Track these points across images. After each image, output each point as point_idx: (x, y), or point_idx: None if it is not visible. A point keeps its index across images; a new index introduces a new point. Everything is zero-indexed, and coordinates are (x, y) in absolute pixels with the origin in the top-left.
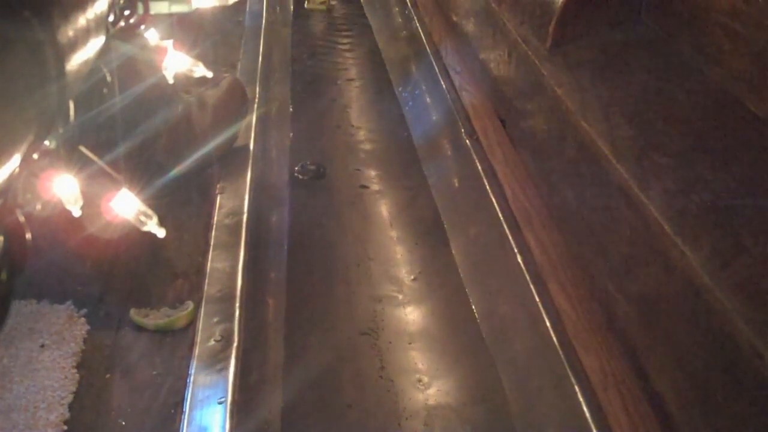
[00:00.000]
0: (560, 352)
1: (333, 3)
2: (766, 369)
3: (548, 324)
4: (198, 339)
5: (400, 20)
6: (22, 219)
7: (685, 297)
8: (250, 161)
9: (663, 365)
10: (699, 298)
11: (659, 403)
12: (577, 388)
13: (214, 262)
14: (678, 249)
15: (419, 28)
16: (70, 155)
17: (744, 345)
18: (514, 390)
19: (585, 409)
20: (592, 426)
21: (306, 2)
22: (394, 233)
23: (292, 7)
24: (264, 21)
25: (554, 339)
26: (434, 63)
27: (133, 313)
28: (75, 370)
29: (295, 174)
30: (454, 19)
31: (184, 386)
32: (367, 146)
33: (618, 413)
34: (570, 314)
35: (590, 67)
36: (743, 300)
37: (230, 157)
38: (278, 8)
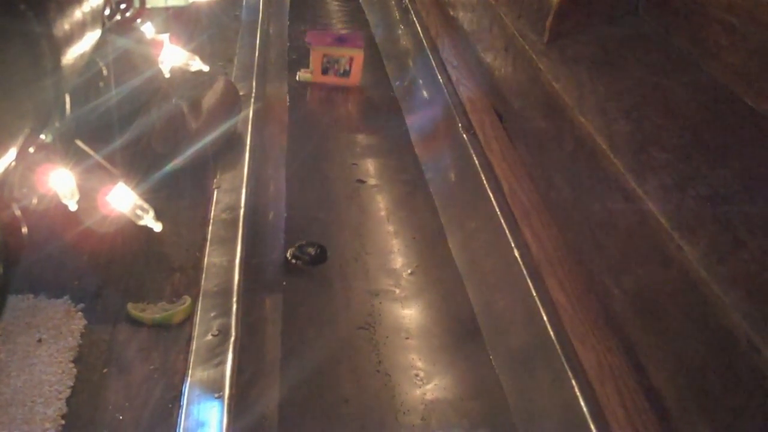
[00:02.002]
0: (557, 347)
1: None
2: (763, 363)
3: (545, 318)
4: (195, 333)
5: (397, 15)
6: (18, 213)
7: (683, 291)
8: (247, 157)
9: (660, 359)
10: (696, 292)
11: (656, 396)
12: (574, 382)
13: (211, 257)
14: (675, 243)
15: (416, 22)
16: (66, 149)
17: (741, 339)
18: (512, 384)
19: (582, 402)
20: (590, 419)
21: (297, 75)
22: (391, 227)
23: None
24: (261, 15)
25: (551, 333)
26: (431, 57)
27: (131, 308)
28: (72, 365)
29: (291, 260)
30: (452, 13)
31: (182, 381)
32: (364, 141)
33: (615, 407)
34: (567, 308)
35: (587, 62)
36: (740, 294)
37: (227, 153)
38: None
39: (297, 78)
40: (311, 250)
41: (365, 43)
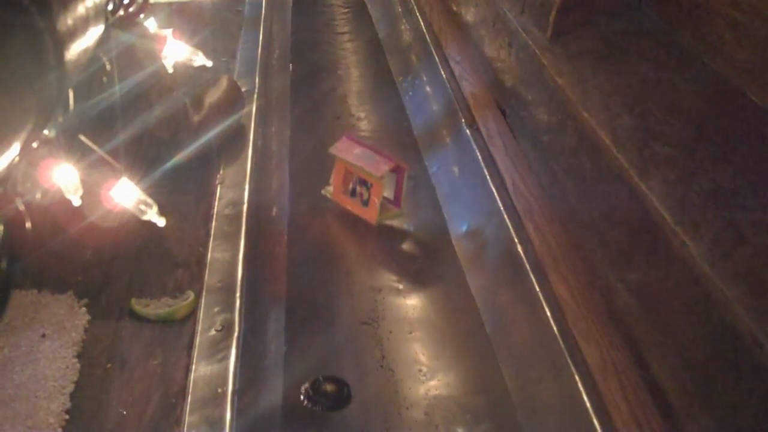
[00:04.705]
0: (560, 342)
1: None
2: (766, 358)
3: (549, 314)
4: (199, 329)
5: (400, 10)
6: (21, 208)
7: (686, 286)
8: (250, 153)
9: (663, 354)
10: (699, 287)
11: (659, 391)
12: (577, 378)
13: (214, 252)
14: (678, 238)
15: (419, 18)
16: (69, 144)
17: (744, 334)
18: (515, 379)
19: (585, 397)
20: (593, 414)
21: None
22: (394, 222)
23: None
24: (264, 11)
25: (555, 328)
26: (434, 53)
27: (134, 304)
28: (76, 360)
29: (304, 400)
30: (455, 8)
31: (185, 376)
32: (368, 136)
33: (618, 402)
34: (570, 304)
35: (591, 57)
36: (744, 289)
37: (230, 149)
38: None
39: (322, 192)
40: (330, 389)
41: (399, 171)
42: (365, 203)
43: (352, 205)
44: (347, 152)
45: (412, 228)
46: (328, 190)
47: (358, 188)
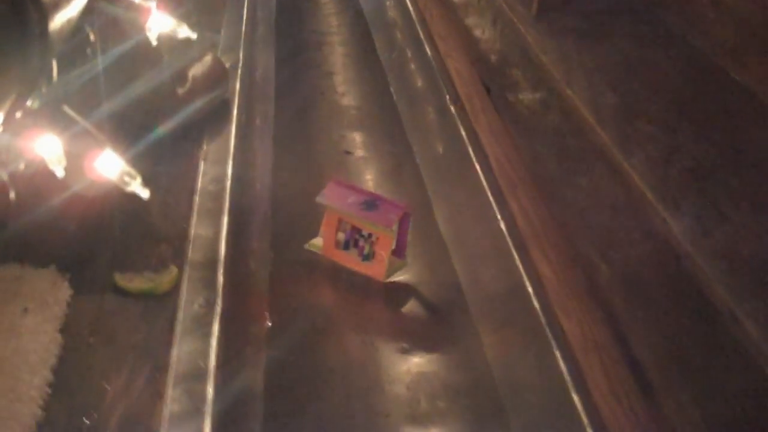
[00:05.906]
0: (542, 319)
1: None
2: (744, 334)
3: (531, 291)
4: (182, 304)
5: None
6: (5, 178)
7: (666, 264)
8: (233, 129)
9: (643, 330)
10: (680, 264)
11: (638, 367)
12: (558, 354)
13: (197, 228)
14: (660, 216)
15: None
16: (53, 115)
17: (723, 311)
18: (496, 355)
19: (565, 374)
20: (572, 390)
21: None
22: None
23: None
24: None
25: (536, 306)
26: (419, 29)
27: (117, 278)
28: (59, 334)
29: None
30: None
31: (168, 351)
32: (352, 112)
33: (598, 377)
34: (552, 281)
35: (575, 35)
36: (723, 267)
37: (214, 125)
38: None
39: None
40: None
41: (404, 218)
42: (366, 257)
43: (349, 260)
44: (341, 201)
45: None
46: (314, 245)
47: (354, 239)
